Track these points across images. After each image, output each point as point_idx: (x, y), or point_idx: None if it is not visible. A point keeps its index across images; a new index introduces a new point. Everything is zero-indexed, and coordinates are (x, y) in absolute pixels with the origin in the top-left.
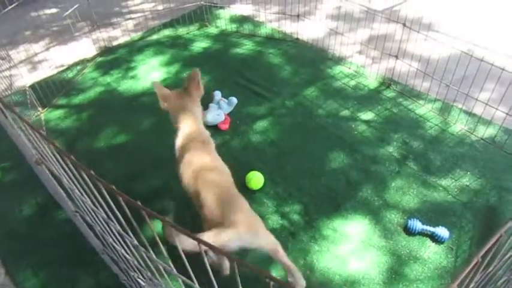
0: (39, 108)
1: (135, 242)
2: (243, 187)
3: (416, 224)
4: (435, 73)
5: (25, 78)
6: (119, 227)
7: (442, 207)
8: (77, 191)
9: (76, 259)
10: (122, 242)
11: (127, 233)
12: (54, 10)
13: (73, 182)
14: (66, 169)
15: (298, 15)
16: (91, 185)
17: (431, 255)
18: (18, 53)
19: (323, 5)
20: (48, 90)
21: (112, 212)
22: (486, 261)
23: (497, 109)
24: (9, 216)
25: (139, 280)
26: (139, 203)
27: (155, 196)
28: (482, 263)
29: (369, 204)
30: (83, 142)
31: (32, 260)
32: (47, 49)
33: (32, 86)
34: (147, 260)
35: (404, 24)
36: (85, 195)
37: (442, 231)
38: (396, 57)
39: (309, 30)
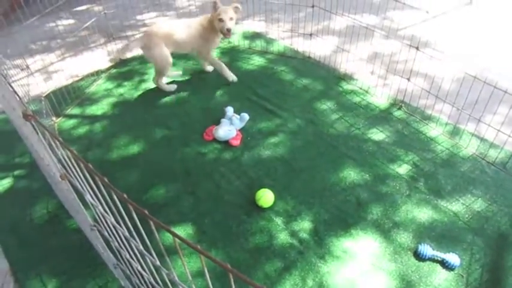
0: (53, 118)
1: (158, 262)
2: (252, 204)
3: (427, 250)
4: (447, 97)
5: (40, 87)
6: (141, 246)
7: (452, 233)
8: (100, 207)
9: (85, 271)
10: (141, 260)
11: (149, 253)
12: (71, 21)
13: (98, 199)
14: (94, 187)
15: (310, 34)
16: (119, 204)
17: (442, 282)
18: (35, 62)
19: (335, 24)
20: (63, 100)
21: (135, 230)
22: None
23: (509, 136)
24: (20, 224)
25: None
26: (172, 229)
27: (164, 208)
28: None
29: (379, 226)
30: (95, 152)
31: (42, 269)
32: (63, 59)
33: (47, 95)
34: (167, 281)
35: (417, 48)
36: (109, 213)
37: (453, 258)
38: (408, 79)
39: (320, 48)
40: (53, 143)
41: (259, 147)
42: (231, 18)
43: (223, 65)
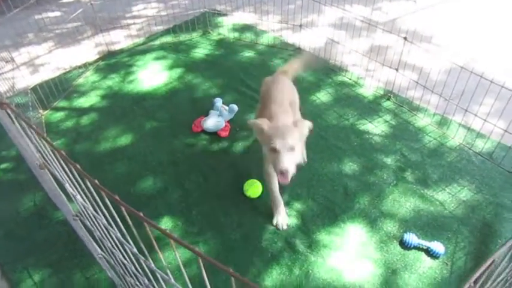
0: (40, 110)
1: (135, 249)
2: (240, 195)
3: (412, 238)
4: (434, 87)
5: (27, 80)
6: (118, 234)
7: (438, 222)
8: (79, 197)
9: (72, 262)
10: (121, 249)
11: (127, 241)
12: (57, 13)
13: (76, 189)
14: (71, 176)
15: (300, 25)
16: (94, 192)
17: (426, 270)
18: (21, 55)
19: (325, 15)
20: (50, 93)
21: (113, 218)
22: (479, 284)
23: (495, 125)
24: (7, 217)
25: (136, 286)
26: (141, 214)
27: (152, 200)
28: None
29: (366, 215)
30: (82, 145)
31: (28, 262)
32: (50, 52)
33: (34, 88)
34: (145, 267)
35: (405, 38)
36: (87, 202)
37: (438, 247)
38: (396, 70)
39: (310, 40)
40: (29, 132)
41: (247, 138)
42: (292, 148)
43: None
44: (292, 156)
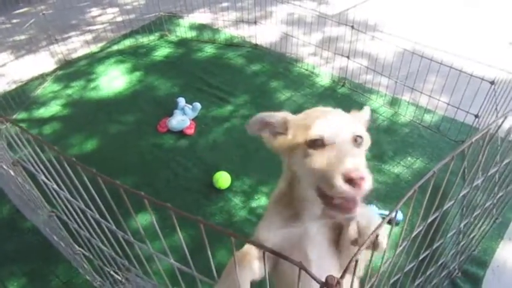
0: None
1: (113, 226)
2: (210, 187)
3: (373, 210)
4: (383, 70)
5: None
6: (97, 215)
7: (396, 193)
8: (54, 185)
9: (48, 270)
10: (99, 231)
11: (105, 219)
12: (8, 25)
13: (51, 176)
14: (44, 159)
15: (255, 22)
16: (70, 171)
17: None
18: None
19: (277, 10)
20: (7, 106)
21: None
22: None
23: (439, 100)
24: None
25: (114, 275)
26: (118, 181)
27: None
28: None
29: None
30: (47, 154)
31: (2, 274)
32: (3, 65)
33: None
34: (124, 245)
35: (352, 27)
36: (63, 188)
37: (396, 215)
38: (347, 57)
39: (265, 34)
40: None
41: (213, 133)
42: (359, 144)
43: None
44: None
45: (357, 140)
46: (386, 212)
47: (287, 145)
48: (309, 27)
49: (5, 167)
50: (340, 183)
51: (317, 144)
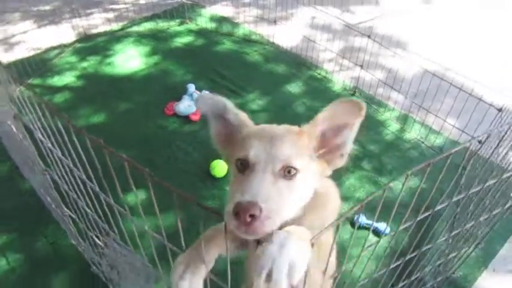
0: (13, 86)
1: (97, 188)
2: (207, 173)
3: (362, 219)
4: (394, 84)
5: (0, 57)
6: (83, 176)
7: (387, 206)
8: (49, 143)
9: (37, 229)
10: (85, 192)
11: (90, 180)
12: None
13: (47, 134)
14: (41, 117)
15: (275, 21)
16: (62, 130)
17: (372, 247)
18: None
19: (299, 12)
20: (23, 71)
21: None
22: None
23: (445, 121)
24: None
25: (96, 239)
26: (102, 141)
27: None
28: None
29: None
30: (54, 121)
31: None
32: (25, 32)
33: (6, 66)
34: (106, 209)
35: (369, 37)
36: (56, 146)
37: (383, 227)
38: (361, 66)
39: (284, 34)
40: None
41: None
42: (284, 169)
43: None
44: (276, 188)
45: (290, 172)
46: (373, 223)
47: (227, 154)
48: (329, 33)
49: (9, 123)
50: (228, 215)
51: (243, 164)
